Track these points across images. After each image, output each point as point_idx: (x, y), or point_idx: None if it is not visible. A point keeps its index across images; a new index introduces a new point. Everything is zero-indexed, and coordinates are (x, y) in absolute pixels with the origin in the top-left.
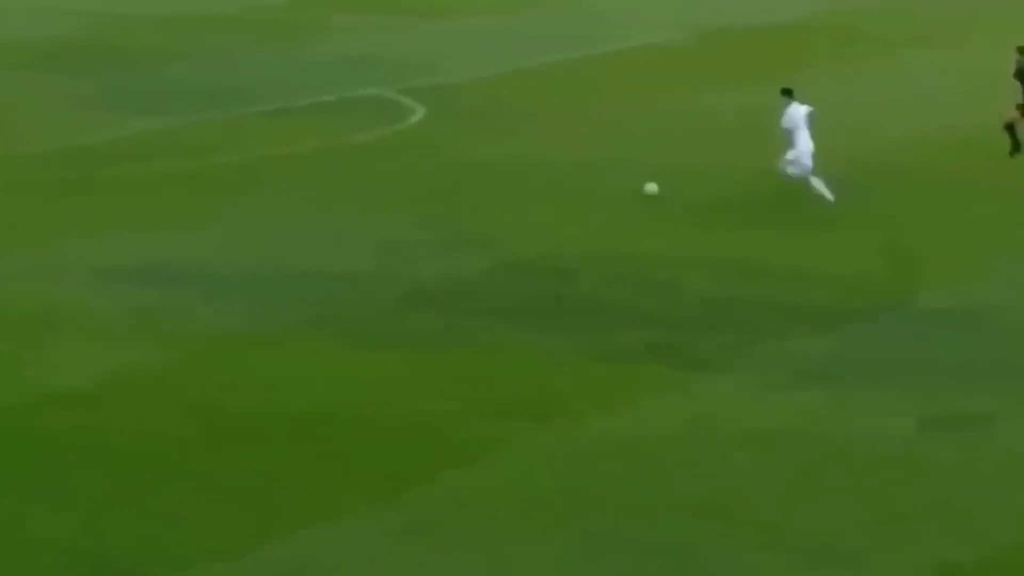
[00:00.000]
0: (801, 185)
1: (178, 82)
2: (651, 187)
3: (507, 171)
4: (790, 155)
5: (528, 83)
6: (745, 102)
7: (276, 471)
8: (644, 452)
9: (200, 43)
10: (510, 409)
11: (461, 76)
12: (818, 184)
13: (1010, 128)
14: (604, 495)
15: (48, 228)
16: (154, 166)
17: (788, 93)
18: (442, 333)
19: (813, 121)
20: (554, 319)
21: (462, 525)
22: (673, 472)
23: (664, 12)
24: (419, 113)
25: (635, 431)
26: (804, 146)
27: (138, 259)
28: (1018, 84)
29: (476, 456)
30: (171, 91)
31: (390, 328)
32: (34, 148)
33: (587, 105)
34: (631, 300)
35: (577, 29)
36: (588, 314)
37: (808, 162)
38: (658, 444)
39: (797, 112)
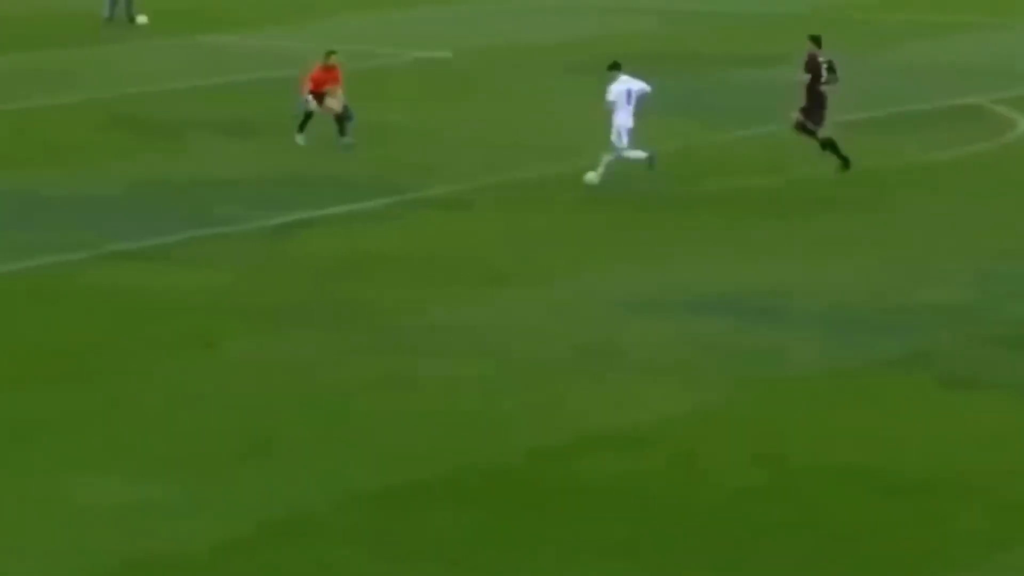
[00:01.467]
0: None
1: (752, 90)
2: (590, 176)
3: None
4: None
5: None
6: None
7: (851, 528)
8: None
9: (778, 47)
10: None
11: None
12: (601, 170)
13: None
14: None
15: (615, 249)
16: (722, 183)
17: (616, 67)
18: None
19: (642, 99)
20: None
21: None
22: None
23: None
24: (1021, 126)
25: None
26: (622, 122)
27: (699, 291)
28: (806, 79)
29: None
30: (746, 100)
31: (987, 372)
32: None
33: None
34: None
35: None
36: None
37: (622, 138)
38: None
39: (621, 87)
